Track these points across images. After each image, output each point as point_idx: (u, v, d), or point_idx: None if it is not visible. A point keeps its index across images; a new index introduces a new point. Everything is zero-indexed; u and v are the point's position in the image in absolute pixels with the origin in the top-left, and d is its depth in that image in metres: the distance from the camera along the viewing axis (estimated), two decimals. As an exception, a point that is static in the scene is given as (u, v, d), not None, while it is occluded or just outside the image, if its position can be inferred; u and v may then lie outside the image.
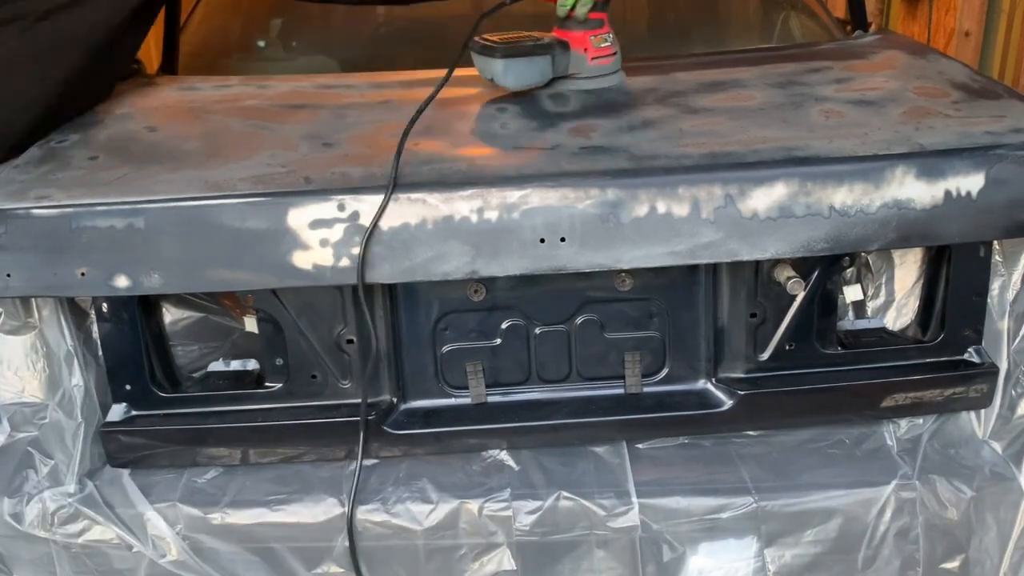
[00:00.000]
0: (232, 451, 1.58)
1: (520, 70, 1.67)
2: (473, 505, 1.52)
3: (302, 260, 1.37)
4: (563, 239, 1.37)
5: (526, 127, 1.59)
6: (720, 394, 1.59)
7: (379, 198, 1.35)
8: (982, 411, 1.61)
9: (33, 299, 1.50)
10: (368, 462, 1.60)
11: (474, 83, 1.76)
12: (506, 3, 1.69)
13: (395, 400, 1.59)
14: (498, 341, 1.57)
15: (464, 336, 1.57)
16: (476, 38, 1.69)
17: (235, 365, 1.64)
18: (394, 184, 1.36)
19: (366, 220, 1.36)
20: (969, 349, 1.60)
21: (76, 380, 1.54)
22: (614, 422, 1.59)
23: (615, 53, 1.77)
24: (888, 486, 1.53)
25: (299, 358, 1.55)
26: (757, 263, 1.51)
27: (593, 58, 1.74)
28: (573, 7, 1.70)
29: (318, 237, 1.36)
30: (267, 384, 1.59)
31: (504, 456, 1.60)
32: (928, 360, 1.60)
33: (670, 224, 1.37)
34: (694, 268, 1.53)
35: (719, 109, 1.62)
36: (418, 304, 1.54)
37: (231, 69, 2.18)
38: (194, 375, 1.65)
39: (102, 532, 1.52)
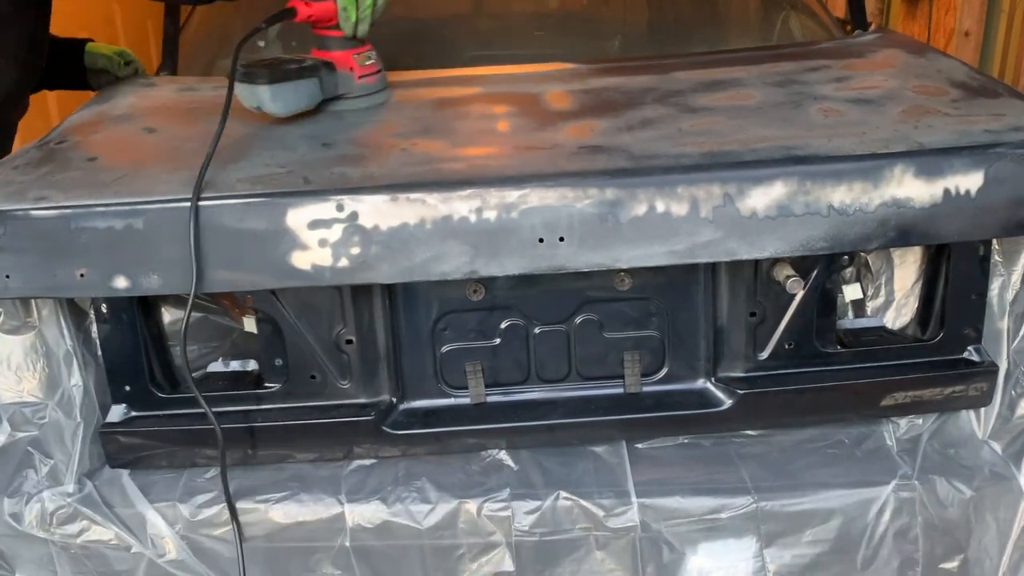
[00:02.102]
0: (232, 451, 1.58)
1: (288, 95, 1.60)
2: (472, 505, 1.52)
3: (301, 260, 1.37)
4: (562, 239, 1.37)
5: (525, 127, 1.59)
6: (719, 393, 1.59)
7: (378, 198, 1.35)
8: (982, 411, 1.61)
9: (32, 299, 1.50)
10: (367, 462, 1.60)
11: (473, 83, 1.76)
12: (263, 27, 1.61)
13: (394, 400, 1.59)
14: (497, 341, 1.57)
15: (463, 336, 1.57)
16: (238, 66, 1.59)
17: (234, 365, 1.64)
18: (198, 197, 1.34)
19: (366, 220, 1.36)
20: (969, 348, 1.60)
21: (75, 380, 1.54)
22: (613, 422, 1.59)
23: (381, 70, 1.75)
24: (888, 486, 1.53)
25: (298, 358, 1.55)
26: (756, 262, 1.51)
27: (360, 76, 1.71)
28: (356, 24, 1.66)
29: (317, 237, 1.36)
30: (266, 384, 1.59)
31: (503, 456, 1.60)
32: (928, 359, 1.59)
33: (669, 223, 1.37)
34: (693, 267, 1.53)
35: (718, 108, 1.62)
36: (417, 304, 1.54)
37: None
38: (193, 375, 1.64)
39: (101, 532, 1.52)
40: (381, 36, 2.02)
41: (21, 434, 1.55)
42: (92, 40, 2.11)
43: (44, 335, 1.53)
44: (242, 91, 1.60)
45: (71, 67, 2.05)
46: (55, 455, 1.54)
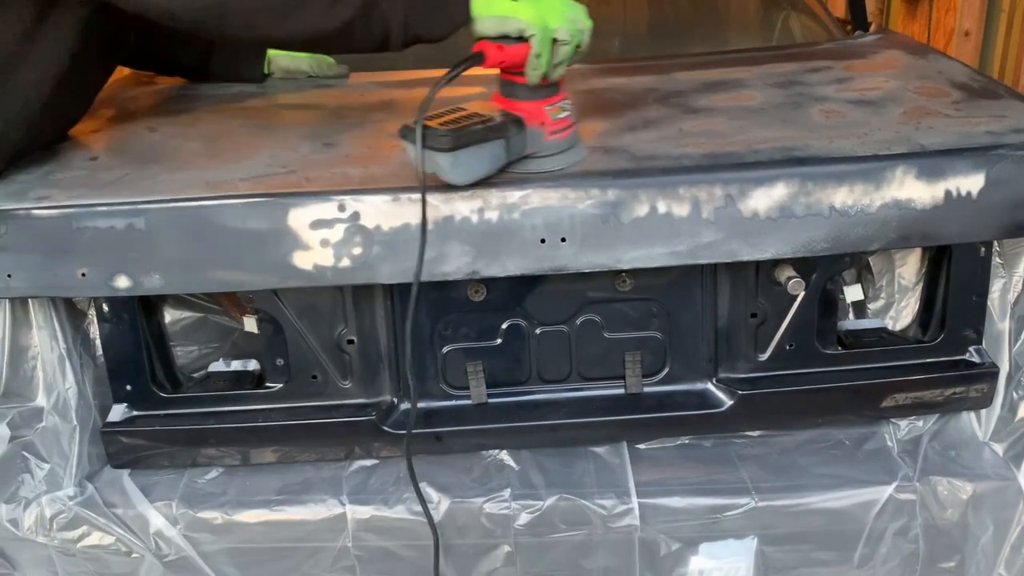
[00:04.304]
0: (233, 451, 1.58)
1: (472, 163, 1.31)
2: (473, 505, 1.52)
3: (303, 260, 1.37)
4: (563, 239, 1.37)
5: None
6: (720, 394, 1.59)
7: (380, 198, 1.35)
8: (983, 413, 1.61)
9: (31, 300, 1.50)
10: (368, 462, 1.60)
11: (474, 83, 1.75)
12: (453, 75, 1.33)
13: (395, 400, 1.59)
14: (498, 341, 1.57)
15: (465, 336, 1.57)
16: (408, 123, 1.30)
17: (235, 365, 1.64)
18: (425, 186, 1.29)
19: (367, 220, 1.36)
20: (969, 349, 1.60)
21: (70, 383, 1.54)
22: (614, 422, 1.59)
23: (574, 123, 1.43)
24: (888, 487, 1.53)
25: (299, 358, 1.55)
26: (757, 263, 1.51)
27: (551, 133, 1.39)
28: (546, 73, 1.35)
29: (319, 237, 1.36)
30: (267, 384, 1.59)
31: (504, 456, 1.60)
32: (928, 360, 1.59)
33: (670, 224, 1.37)
34: (694, 268, 1.53)
35: (719, 109, 1.62)
36: (419, 304, 1.54)
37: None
38: (194, 375, 1.65)
39: (101, 536, 1.52)
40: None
41: (19, 438, 1.55)
42: None
43: (41, 336, 1.52)
44: (424, 155, 1.29)
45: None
46: (53, 459, 1.54)
